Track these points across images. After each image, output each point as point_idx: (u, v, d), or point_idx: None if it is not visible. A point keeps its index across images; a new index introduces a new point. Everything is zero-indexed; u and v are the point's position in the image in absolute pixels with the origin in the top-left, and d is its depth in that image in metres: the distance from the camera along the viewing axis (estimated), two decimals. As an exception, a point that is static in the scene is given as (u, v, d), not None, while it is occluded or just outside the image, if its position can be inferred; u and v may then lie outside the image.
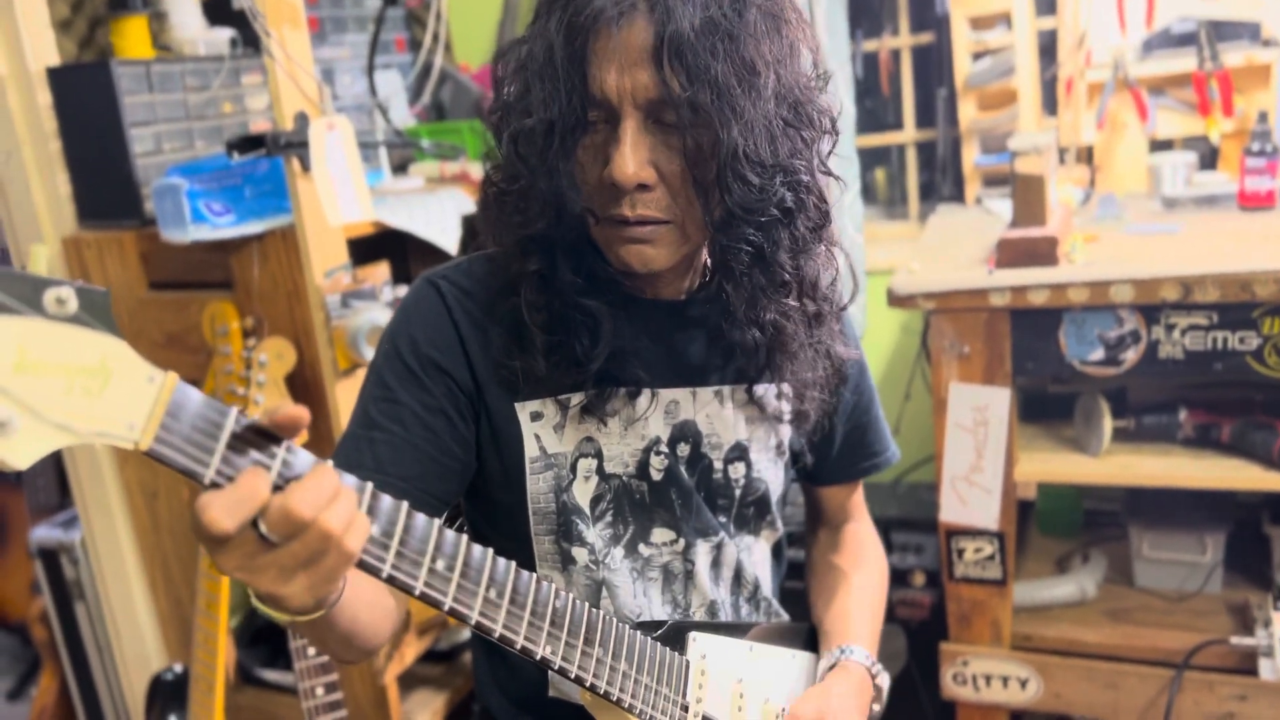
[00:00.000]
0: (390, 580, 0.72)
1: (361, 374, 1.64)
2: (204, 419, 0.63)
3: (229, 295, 1.67)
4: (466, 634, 2.01)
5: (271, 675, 1.94)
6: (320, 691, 1.57)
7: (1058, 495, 2.07)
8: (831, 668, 1.10)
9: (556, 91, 0.89)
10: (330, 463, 0.69)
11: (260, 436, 0.66)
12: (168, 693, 1.79)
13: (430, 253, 2.05)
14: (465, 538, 0.77)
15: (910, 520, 2.14)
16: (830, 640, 1.14)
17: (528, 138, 0.92)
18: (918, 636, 2.02)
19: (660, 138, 0.91)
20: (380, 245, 1.84)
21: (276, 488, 0.66)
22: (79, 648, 2.13)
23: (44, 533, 2.10)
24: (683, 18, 0.86)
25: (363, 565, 0.71)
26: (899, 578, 2.01)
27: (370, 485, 0.72)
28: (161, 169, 1.70)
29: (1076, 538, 2.04)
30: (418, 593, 0.73)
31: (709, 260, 1.06)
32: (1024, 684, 1.69)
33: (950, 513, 1.66)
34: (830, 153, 1.00)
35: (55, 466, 2.46)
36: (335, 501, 0.66)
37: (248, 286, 1.64)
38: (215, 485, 0.64)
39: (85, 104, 1.70)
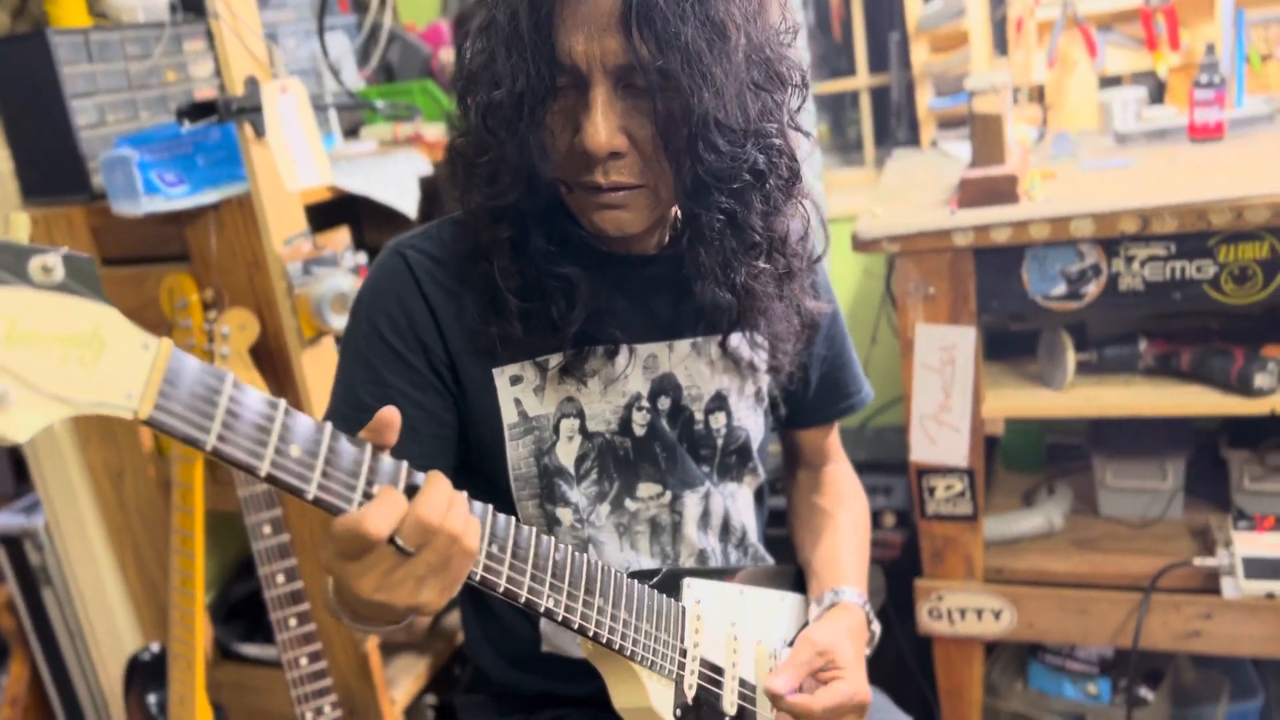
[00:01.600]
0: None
1: (327, 342, 1.63)
2: (202, 385, 0.62)
3: (186, 268, 1.63)
4: (444, 598, 2.01)
5: (250, 650, 1.93)
6: (304, 662, 1.56)
7: (1021, 431, 2.11)
8: (830, 608, 1.11)
9: (524, 60, 0.87)
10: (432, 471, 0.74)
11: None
12: (146, 672, 1.78)
13: (385, 217, 2.02)
14: (465, 495, 0.77)
15: (879, 463, 2.17)
16: (821, 582, 1.16)
17: (497, 110, 0.90)
18: (891, 576, 2.05)
19: (631, 103, 0.89)
20: (334, 211, 1.80)
21: (366, 495, 0.70)
22: (49, 634, 2.09)
23: (4, 519, 2.05)
24: None
25: None
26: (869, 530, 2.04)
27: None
28: (107, 141, 1.65)
29: (1041, 472, 2.09)
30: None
31: (679, 217, 1.05)
32: (998, 615, 1.74)
33: (920, 452, 1.69)
34: (800, 108, 0.99)
35: (9, 453, 2.41)
36: (454, 505, 0.72)
37: (205, 258, 1.60)
38: (216, 452, 0.63)
39: (22, 77, 1.63)
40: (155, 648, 1.80)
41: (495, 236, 0.98)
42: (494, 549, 0.78)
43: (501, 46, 0.89)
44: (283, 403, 0.66)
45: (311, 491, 0.67)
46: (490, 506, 0.80)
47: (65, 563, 1.97)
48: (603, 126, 0.87)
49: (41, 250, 0.57)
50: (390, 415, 0.72)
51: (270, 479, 0.65)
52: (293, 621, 1.56)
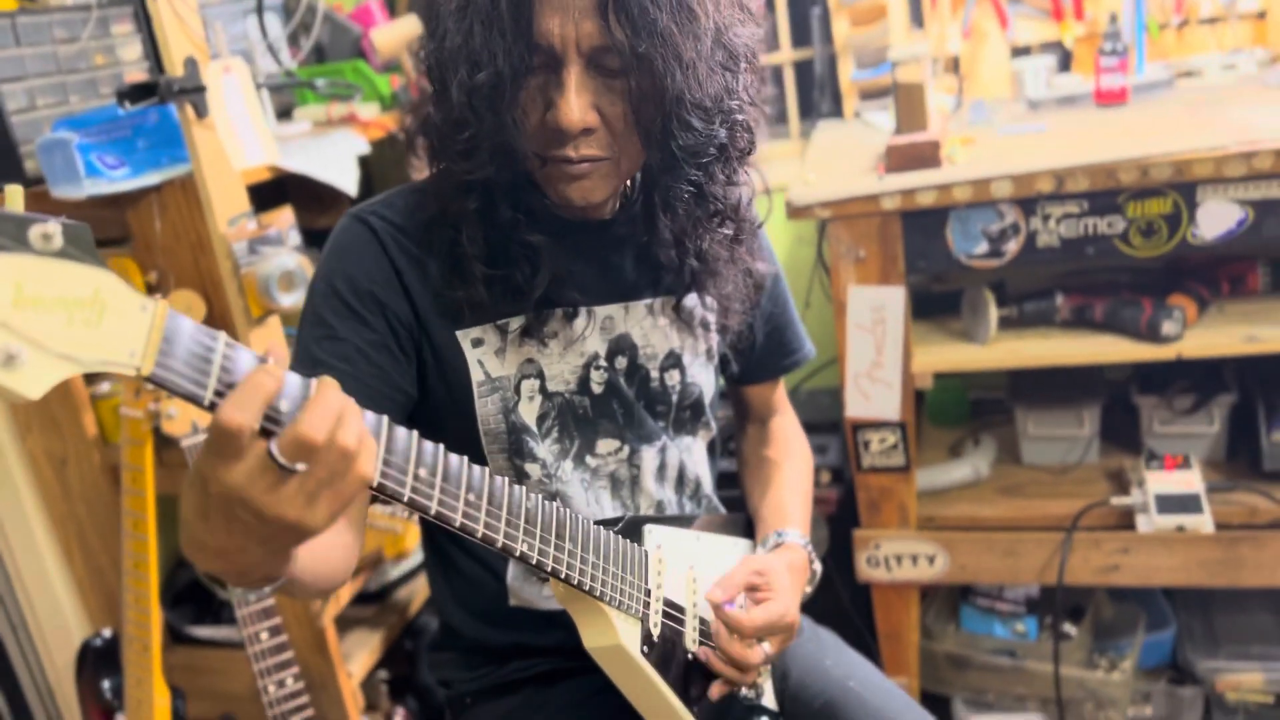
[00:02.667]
0: (380, 489, 0.76)
1: (274, 321, 1.64)
2: (197, 343, 0.65)
3: (128, 251, 1.63)
4: (394, 574, 2.04)
5: (203, 632, 1.94)
6: (265, 636, 1.58)
7: (946, 388, 2.21)
8: (774, 548, 1.18)
9: (503, 40, 0.90)
10: (329, 379, 0.70)
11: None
12: (99, 658, 1.77)
13: (314, 198, 2.03)
14: (442, 447, 0.80)
15: (813, 424, 2.24)
16: (767, 526, 1.22)
17: (478, 90, 0.93)
18: (829, 530, 2.14)
19: (602, 81, 0.94)
20: (265, 193, 1.81)
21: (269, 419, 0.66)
22: (-10, 628, 2.07)
23: (-60, 515, 2.02)
24: None
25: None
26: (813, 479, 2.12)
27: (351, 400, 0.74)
28: (37, 126, 1.63)
29: (965, 425, 2.19)
30: (405, 499, 0.77)
31: (633, 183, 1.10)
32: (931, 560, 1.83)
33: (855, 408, 1.76)
34: (755, 85, 1.04)
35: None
36: (345, 420, 0.68)
37: (148, 241, 1.60)
38: (214, 407, 0.66)
39: (-52, 61, 1.61)
40: (107, 633, 1.80)
41: (463, 206, 1.01)
42: (470, 497, 0.82)
43: (480, 25, 0.91)
44: (271, 359, 0.69)
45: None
46: (465, 458, 0.83)
47: (6, 554, 1.95)
48: (576, 105, 0.92)
49: (42, 219, 0.60)
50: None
51: (265, 434, 0.68)
52: (251, 597, 1.58)
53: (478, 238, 1.02)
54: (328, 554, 0.93)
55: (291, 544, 0.74)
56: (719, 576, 1.14)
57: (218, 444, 0.65)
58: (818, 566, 1.22)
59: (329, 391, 0.68)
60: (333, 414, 0.67)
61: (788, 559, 1.15)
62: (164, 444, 1.64)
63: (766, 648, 1.09)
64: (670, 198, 1.02)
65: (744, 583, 1.09)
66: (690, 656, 1.06)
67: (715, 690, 1.07)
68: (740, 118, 1.01)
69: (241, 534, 0.69)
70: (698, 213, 1.04)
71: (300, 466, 0.66)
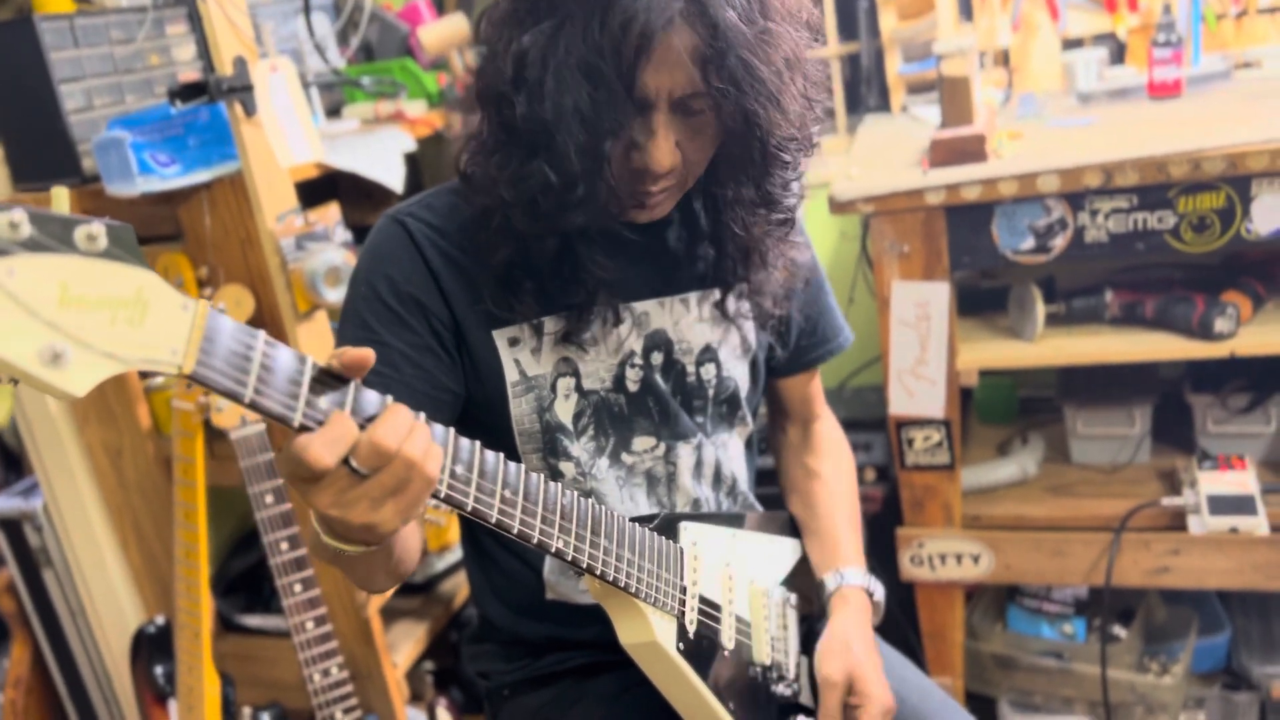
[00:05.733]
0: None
1: (321, 315, 1.67)
2: (238, 342, 0.66)
3: (180, 247, 1.67)
4: (440, 566, 2.06)
5: (253, 621, 1.98)
6: (310, 625, 1.61)
7: (994, 386, 2.18)
8: (833, 596, 1.19)
9: (604, 94, 0.89)
10: (390, 398, 0.76)
11: (327, 377, 0.71)
12: (152, 644, 1.82)
13: (364, 195, 2.06)
14: (479, 444, 0.81)
15: (858, 421, 2.23)
16: (823, 563, 1.23)
17: (584, 152, 0.91)
18: (872, 528, 2.12)
19: (686, 121, 0.96)
20: (315, 191, 1.84)
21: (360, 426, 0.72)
22: (50, 614, 2.13)
23: (2, 503, 2.08)
24: (719, 14, 0.88)
25: None
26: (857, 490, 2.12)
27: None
28: (95, 125, 1.67)
29: (1014, 423, 2.16)
30: (443, 495, 0.78)
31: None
32: (976, 560, 1.81)
33: (899, 405, 1.75)
34: (823, 97, 1.05)
35: (-1, 441, 2.43)
36: (413, 433, 0.73)
37: (199, 237, 1.64)
38: (254, 404, 0.67)
39: (10, 63, 1.65)
40: (160, 621, 1.84)
41: (508, 222, 1.01)
42: (507, 493, 0.83)
43: (577, 75, 0.89)
44: (310, 358, 0.71)
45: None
46: (501, 455, 0.84)
47: (66, 543, 2.00)
48: (665, 150, 0.94)
49: (86, 220, 0.61)
50: (364, 354, 0.73)
51: (304, 430, 0.70)
52: (298, 587, 1.61)
53: (520, 245, 1.03)
54: (405, 539, 0.97)
55: (371, 542, 0.80)
56: (756, 575, 1.14)
57: (297, 472, 0.71)
58: (879, 598, 1.22)
59: (400, 407, 0.74)
60: (406, 426, 0.73)
61: (852, 630, 1.16)
62: (214, 436, 1.68)
63: None
64: (735, 205, 1.06)
65: (838, 711, 1.11)
66: (755, 676, 1.09)
67: None
68: (812, 131, 1.03)
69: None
70: (761, 215, 1.07)
71: (368, 471, 0.72)
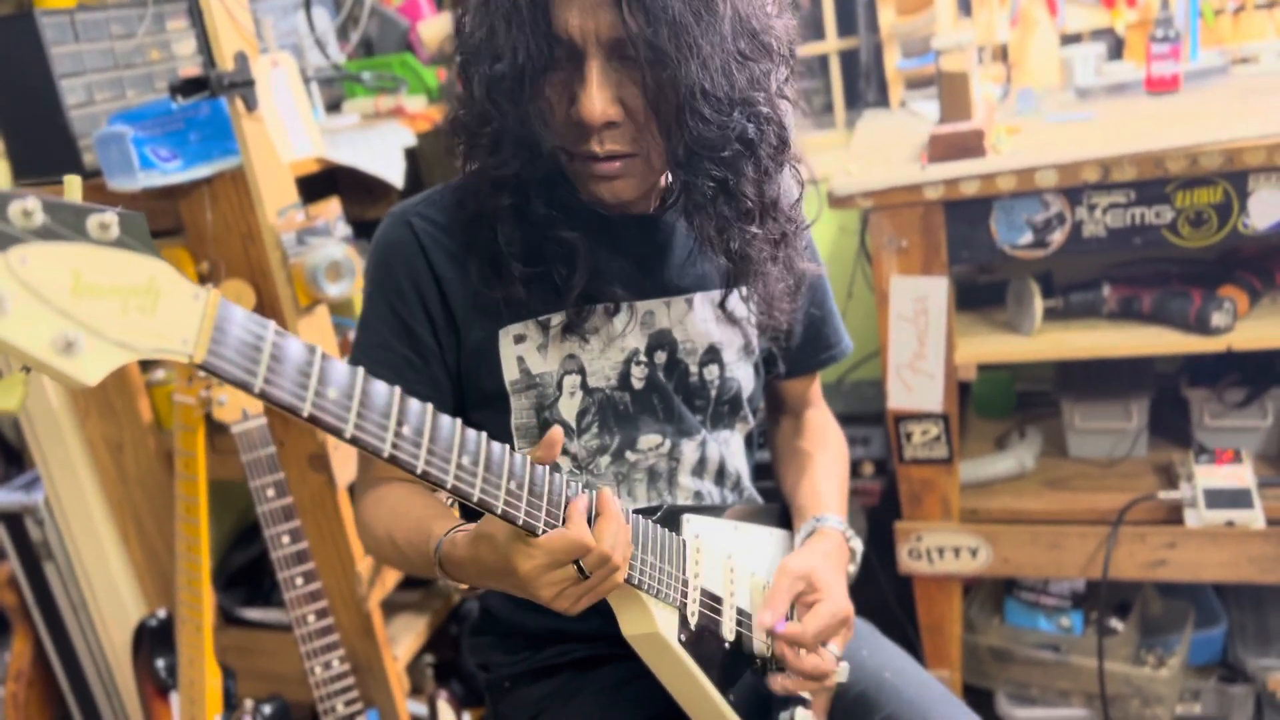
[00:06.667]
0: (424, 476, 0.77)
1: (322, 310, 1.67)
2: (248, 332, 0.67)
3: (181, 242, 1.67)
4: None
5: (253, 614, 1.98)
6: (312, 619, 1.62)
7: (992, 380, 2.19)
8: (810, 535, 1.18)
9: (522, 34, 0.92)
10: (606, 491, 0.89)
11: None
12: (154, 637, 1.82)
13: (365, 190, 2.06)
14: (485, 435, 0.82)
15: (856, 415, 2.25)
16: (804, 513, 1.22)
17: (499, 82, 0.95)
18: (871, 521, 2.13)
19: (624, 74, 0.94)
20: (315, 186, 1.84)
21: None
22: (52, 608, 2.13)
23: (3, 496, 2.08)
24: None
25: (394, 461, 0.76)
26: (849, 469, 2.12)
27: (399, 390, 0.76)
28: (96, 120, 1.68)
29: (1012, 418, 2.17)
30: (449, 485, 0.78)
31: (671, 181, 1.10)
32: (974, 553, 1.82)
33: (897, 399, 1.76)
34: (788, 79, 1.03)
35: (-1, 435, 2.43)
36: (620, 532, 0.84)
37: (200, 231, 1.64)
38: (264, 394, 0.67)
39: (10, 58, 1.66)
40: (162, 614, 1.84)
41: (498, 204, 1.03)
42: (513, 485, 0.83)
43: (501, 21, 0.93)
44: (319, 348, 0.71)
45: (349, 431, 0.72)
46: (507, 446, 0.85)
47: (67, 537, 2.01)
48: (598, 97, 0.93)
49: (99, 209, 0.62)
50: (557, 434, 0.86)
51: (312, 419, 0.70)
52: (299, 580, 1.61)
53: (514, 236, 1.04)
54: None
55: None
56: (757, 567, 1.15)
57: (553, 560, 0.83)
58: (856, 545, 1.20)
59: (612, 506, 0.85)
60: (623, 531, 0.84)
61: (822, 549, 1.14)
62: (215, 430, 1.68)
63: (834, 648, 1.09)
64: (695, 194, 1.00)
65: (789, 595, 1.08)
66: (755, 667, 1.08)
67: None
68: (765, 110, 0.99)
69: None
70: (728, 211, 1.02)
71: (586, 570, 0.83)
